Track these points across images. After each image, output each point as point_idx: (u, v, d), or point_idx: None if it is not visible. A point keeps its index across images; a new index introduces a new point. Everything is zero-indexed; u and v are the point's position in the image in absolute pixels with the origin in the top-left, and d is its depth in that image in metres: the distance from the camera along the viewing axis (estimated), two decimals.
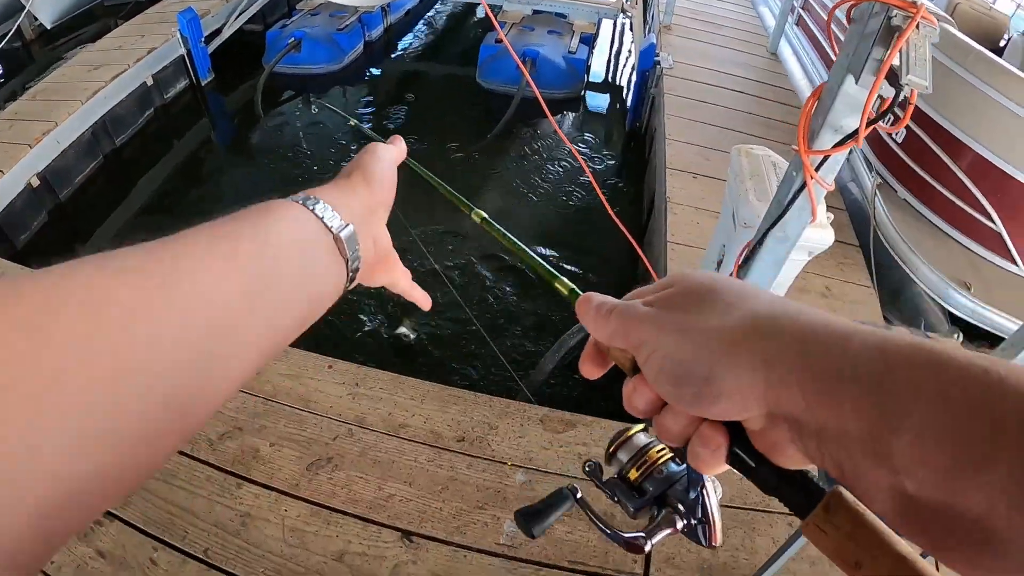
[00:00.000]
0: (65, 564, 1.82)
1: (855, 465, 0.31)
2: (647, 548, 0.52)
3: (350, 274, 0.46)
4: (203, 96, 5.31)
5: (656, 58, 4.87)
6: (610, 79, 6.53)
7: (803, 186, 1.22)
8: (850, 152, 3.49)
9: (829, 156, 1.18)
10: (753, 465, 0.37)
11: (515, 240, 0.57)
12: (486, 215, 0.62)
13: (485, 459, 2.12)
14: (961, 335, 2.62)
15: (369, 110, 5.58)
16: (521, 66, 3.44)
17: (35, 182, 4.00)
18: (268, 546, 1.85)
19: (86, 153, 4.36)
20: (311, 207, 0.43)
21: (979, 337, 2.71)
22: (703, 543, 0.52)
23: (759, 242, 1.44)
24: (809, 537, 0.36)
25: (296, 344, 2.42)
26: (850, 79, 1.07)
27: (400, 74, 6.25)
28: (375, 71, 6.17)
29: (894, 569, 0.33)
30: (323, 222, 0.43)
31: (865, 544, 0.33)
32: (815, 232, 1.48)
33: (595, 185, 2.24)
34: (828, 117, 1.14)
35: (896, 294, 3.11)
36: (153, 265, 0.32)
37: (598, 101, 6.13)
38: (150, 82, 4.93)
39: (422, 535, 1.90)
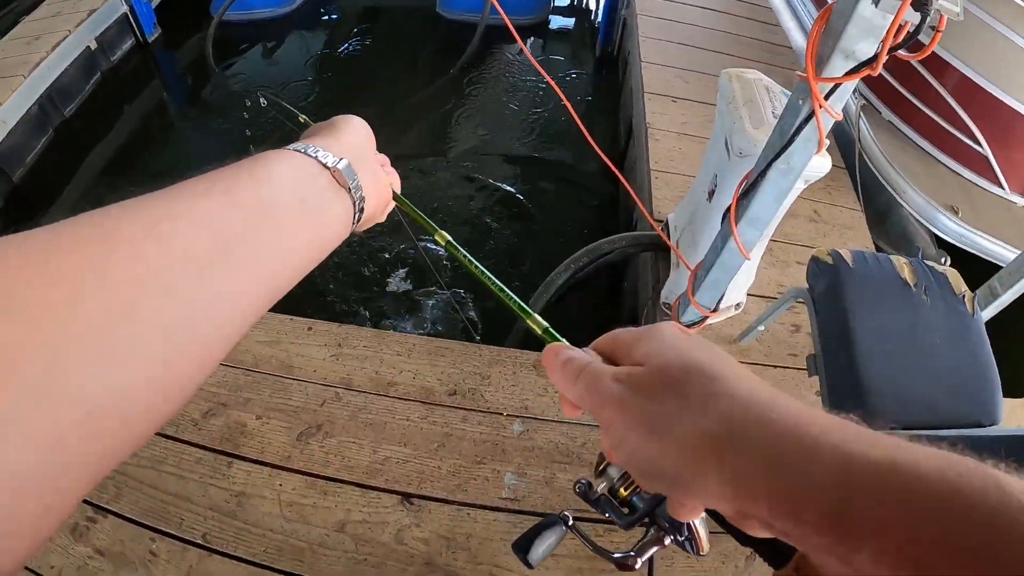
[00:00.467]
0: (65, 567, 1.76)
1: (820, 559, 0.32)
2: (637, 566, 0.54)
3: (357, 203, 0.49)
4: (151, 55, 5.02)
5: None
6: (576, 2, 6.28)
7: (810, 115, 1.15)
8: None
9: (840, 84, 1.10)
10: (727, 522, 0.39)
11: (483, 269, 0.58)
12: (451, 238, 0.62)
13: (480, 411, 2.09)
14: (948, 259, 2.60)
15: (327, 51, 5.34)
16: None
17: None
18: (267, 524, 1.81)
19: (35, 129, 4.12)
20: (303, 150, 0.46)
21: (966, 260, 2.71)
22: (690, 552, 0.54)
23: (761, 174, 1.37)
24: None
25: (272, 308, 2.36)
26: (866, 0, 0.98)
27: (356, 11, 5.95)
28: (330, 10, 5.88)
29: None
30: (317, 159, 0.46)
31: None
32: (814, 160, 1.42)
33: (572, 113, 2.14)
34: (840, 42, 1.05)
35: (884, 217, 3.09)
36: (153, 204, 0.34)
37: (565, 26, 5.91)
38: (94, 46, 4.61)
39: (422, 496, 1.87)
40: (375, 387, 2.13)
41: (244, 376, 2.13)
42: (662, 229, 2.58)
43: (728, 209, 1.53)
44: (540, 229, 3.63)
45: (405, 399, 2.10)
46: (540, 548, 0.59)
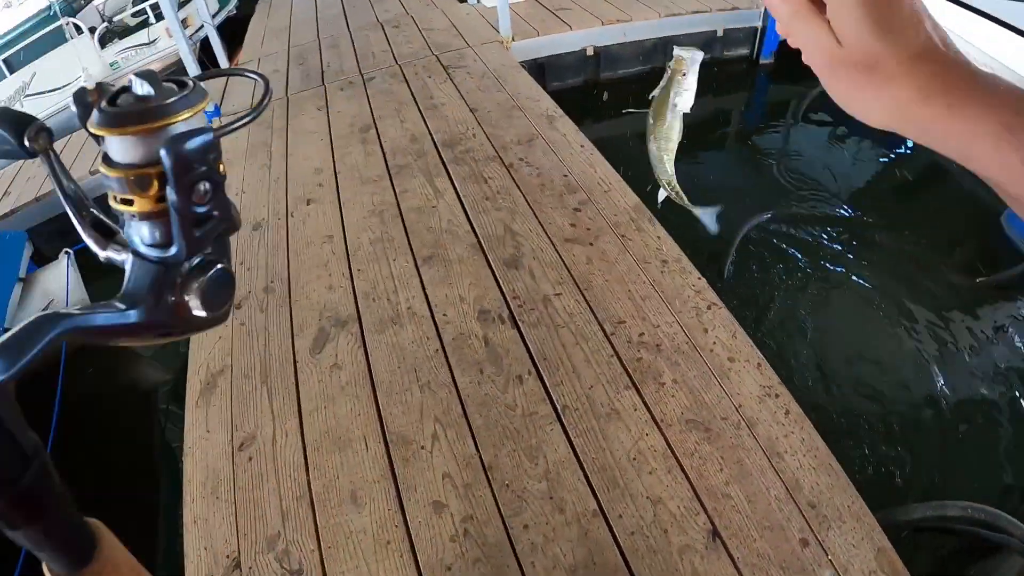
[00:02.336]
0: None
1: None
2: None
3: None
4: (754, 72, 5.50)
5: None
6: None
7: None
8: None
9: None
10: None
11: None
12: None
13: None
14: None
15: (865, 182, 5.31)
16: None
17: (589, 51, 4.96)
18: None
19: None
20: None
21: None
22: None
23: None
24: None
25: None
26: None
27: (924, 163, 5.68)
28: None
29: None
30: None
31: None
32: None
33: None
34: None
35: None
36: None
37: None
38: (720, 33, 5.34)
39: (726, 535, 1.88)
40: None
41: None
42: None
43: None
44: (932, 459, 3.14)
45: None
46: None
